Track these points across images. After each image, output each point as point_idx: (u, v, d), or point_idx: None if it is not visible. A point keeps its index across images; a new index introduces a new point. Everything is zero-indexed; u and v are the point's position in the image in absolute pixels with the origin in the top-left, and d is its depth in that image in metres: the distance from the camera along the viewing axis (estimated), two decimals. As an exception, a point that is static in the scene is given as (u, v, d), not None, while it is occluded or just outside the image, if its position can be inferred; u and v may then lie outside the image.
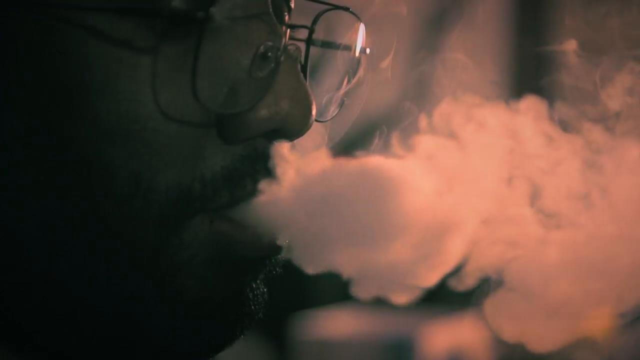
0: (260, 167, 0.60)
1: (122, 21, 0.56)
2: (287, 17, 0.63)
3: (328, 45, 0.67)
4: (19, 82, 0.57)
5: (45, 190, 0.57)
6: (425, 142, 0.62)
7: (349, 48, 0.67)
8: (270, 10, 0.60)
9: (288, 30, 0.61)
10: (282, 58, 0.59)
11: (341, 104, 0.67)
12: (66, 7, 0.56)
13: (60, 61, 0.56)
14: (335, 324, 2.41)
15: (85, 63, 0.56)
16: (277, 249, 0.61)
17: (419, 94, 0.67)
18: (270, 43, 0.59)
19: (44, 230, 0.58)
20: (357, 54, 0.67)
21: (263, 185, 0.60)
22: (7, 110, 0.57)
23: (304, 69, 0.64)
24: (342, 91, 0.67)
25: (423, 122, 0.63)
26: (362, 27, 0.66)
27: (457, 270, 0.60)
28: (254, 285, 0.62)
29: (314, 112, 0.60)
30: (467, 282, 0.61)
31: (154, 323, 0.60)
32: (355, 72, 0.67)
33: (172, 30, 0.57)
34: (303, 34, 0.64)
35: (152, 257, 0.58)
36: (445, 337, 2.36)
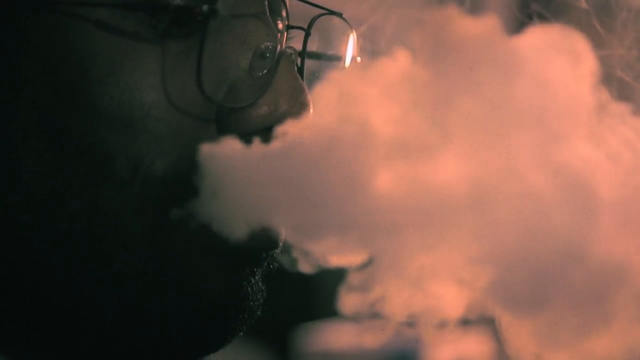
0: None
1: (126, 17, 0.59)
2: (280, 25, 0.65)
3: (320, 56, 0.69)
4: (23, 75, 0.59)
5: (46, 181, 0.59)
6: None
7: (339, 58, 0.69)
8: (268, 12, 0.62)
9: (285, 33, 0.63)
10: (280, 58, 0.61)
11: None
12: (71, 2, 0.58)
13: (64, 54, 0.58)
14: (338, 335, 2.41)
15: (89, 55, 0.58)
16: (275, 242, 0.62)
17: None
18: (268, 43, 0.61)
19: (45, 221, 0.59)
20: (347, 62, 0.69)
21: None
22: (10, 102, 0.59)
23: (300, 70, 0.67)
24: None
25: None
26: (353, 35, 0.69)
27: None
28: (252, 280, 0.63)
29: (311, 111, 0.62)
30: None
31: (152, 316, 0.61)
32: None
33: (175, 27, 0.59)
34: (298, 40, 0.67)
35: (150, 245, 0.60)
36: (448, 350, 2.36)
